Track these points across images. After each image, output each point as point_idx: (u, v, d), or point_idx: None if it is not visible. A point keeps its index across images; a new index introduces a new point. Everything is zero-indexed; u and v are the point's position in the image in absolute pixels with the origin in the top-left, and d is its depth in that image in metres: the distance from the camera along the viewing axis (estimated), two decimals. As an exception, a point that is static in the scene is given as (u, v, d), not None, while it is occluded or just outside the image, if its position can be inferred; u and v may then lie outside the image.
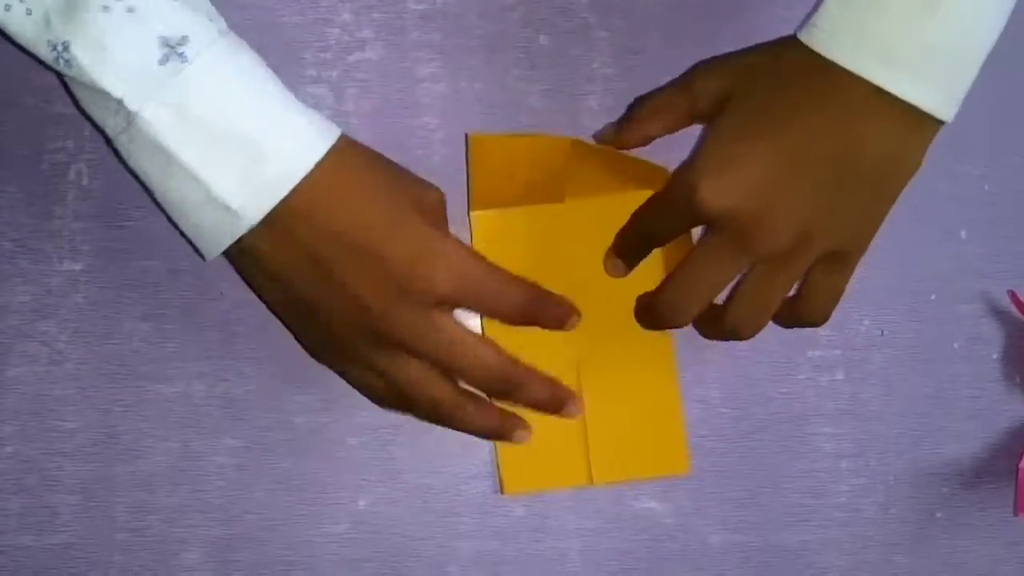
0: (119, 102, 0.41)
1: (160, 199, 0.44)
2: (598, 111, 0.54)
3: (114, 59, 0.41)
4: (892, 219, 0.53)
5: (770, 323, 0.49)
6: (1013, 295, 0.55)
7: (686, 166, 0.45)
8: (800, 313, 0.48)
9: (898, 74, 0.37)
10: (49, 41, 0.41)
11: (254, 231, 0.43)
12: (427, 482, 0.52)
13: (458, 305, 0.44)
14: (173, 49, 0.41)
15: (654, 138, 0.50)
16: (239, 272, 0.47)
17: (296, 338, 0.48)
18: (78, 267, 0.52)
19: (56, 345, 0.52)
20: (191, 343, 0.52)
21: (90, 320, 0.52)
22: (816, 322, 0.48)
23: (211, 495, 0.52)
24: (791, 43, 0.43)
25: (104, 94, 0.41)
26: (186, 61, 0.41)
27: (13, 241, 0.52)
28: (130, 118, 0.41)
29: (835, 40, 0.39)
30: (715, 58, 0.48)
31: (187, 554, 0.52)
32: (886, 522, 0.54)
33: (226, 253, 0.45)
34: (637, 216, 0.50)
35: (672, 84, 0.50)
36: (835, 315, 0.53)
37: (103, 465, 0.52)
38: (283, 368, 0.52)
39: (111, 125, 0.43)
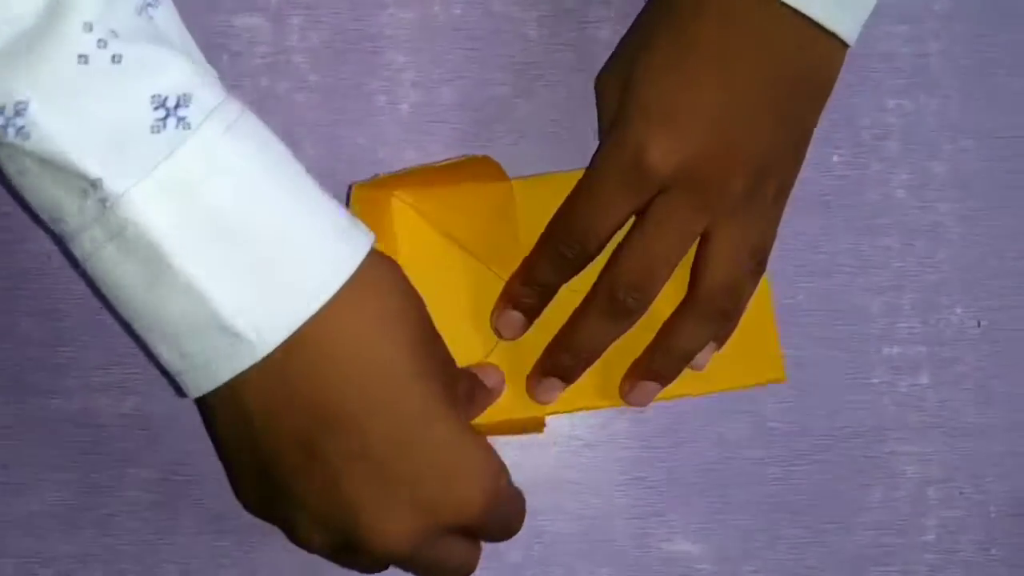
0: (94, 183, 0.33)
1: (134, 316, 0.36)
2: (611, 44, 0.48)
3: (92, 123, 0.33)
4: (990, 184, 0.51)
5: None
6: None
7: (623, 124, 0.43)
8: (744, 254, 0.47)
9: (831, 9, 0.43)
10: None
11: (264, 362, 0.35)
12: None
13: (473, 531, 0.41)
14: (171, 112, 0.34)
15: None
16: (215, 421, 0.38)
17: (241, 486, 0.40)
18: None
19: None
20: (92, 346, 0.47)
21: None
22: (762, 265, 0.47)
23: (122, 541, 0.46)
24: None
25: (72, 171, 0.33)
26: (188, 128, 0.34)
27: None
28: (107, 205, 0.33)
29: None
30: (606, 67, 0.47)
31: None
32: (987, 566, 0.50)
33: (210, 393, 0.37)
34: (562, 215, 0.45)
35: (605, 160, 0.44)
36: (918, 301, 0.50)
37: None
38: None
39: (72, 216, 0.34)
